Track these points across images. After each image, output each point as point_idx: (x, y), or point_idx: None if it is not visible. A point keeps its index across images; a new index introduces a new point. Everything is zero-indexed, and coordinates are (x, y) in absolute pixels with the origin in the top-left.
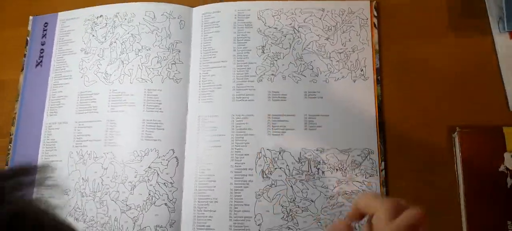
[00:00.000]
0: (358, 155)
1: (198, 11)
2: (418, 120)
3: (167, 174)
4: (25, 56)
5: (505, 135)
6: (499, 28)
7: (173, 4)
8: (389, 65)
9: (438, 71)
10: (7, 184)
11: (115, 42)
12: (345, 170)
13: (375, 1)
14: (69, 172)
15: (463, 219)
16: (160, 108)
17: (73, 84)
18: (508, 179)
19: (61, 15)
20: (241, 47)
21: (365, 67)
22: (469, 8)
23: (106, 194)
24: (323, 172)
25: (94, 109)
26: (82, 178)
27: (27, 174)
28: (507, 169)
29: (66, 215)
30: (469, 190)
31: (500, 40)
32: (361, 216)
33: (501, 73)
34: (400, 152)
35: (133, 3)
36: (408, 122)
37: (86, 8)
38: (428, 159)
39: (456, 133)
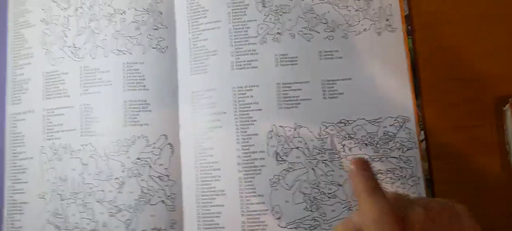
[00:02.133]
0: (391, 125)
1: None
2: (461, 83)
3: (160, 165)
4: None
5: None
6: None
7: None
8: (421, 12)
9: (486, 24)
10: None
11: (81, 7)
12: (376, 144)
13: None
14: (42, 171)
15: None
16: (144, 86)
17: (36, 63)
18: None
19: None
20: (236, 2)
21: (391, 16)
22: None
23: (89, 195)
24: (350, 149)
25: (65, 93)
26: (60, 178)
27: None
28: None
29: (45, 222)
30: None
31: None
32: None
33: None
34: (442, 118)
35: None
36: (449, 82)
37: None
38: (474, 134)
39: (508, 105)
